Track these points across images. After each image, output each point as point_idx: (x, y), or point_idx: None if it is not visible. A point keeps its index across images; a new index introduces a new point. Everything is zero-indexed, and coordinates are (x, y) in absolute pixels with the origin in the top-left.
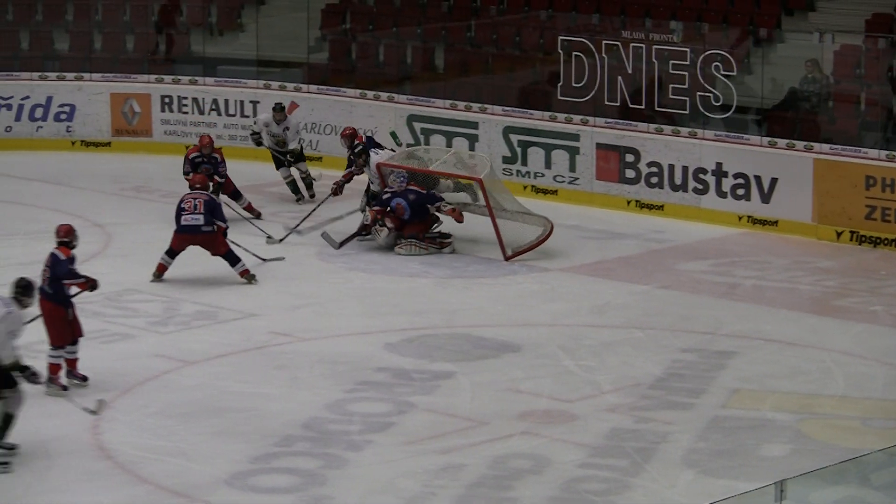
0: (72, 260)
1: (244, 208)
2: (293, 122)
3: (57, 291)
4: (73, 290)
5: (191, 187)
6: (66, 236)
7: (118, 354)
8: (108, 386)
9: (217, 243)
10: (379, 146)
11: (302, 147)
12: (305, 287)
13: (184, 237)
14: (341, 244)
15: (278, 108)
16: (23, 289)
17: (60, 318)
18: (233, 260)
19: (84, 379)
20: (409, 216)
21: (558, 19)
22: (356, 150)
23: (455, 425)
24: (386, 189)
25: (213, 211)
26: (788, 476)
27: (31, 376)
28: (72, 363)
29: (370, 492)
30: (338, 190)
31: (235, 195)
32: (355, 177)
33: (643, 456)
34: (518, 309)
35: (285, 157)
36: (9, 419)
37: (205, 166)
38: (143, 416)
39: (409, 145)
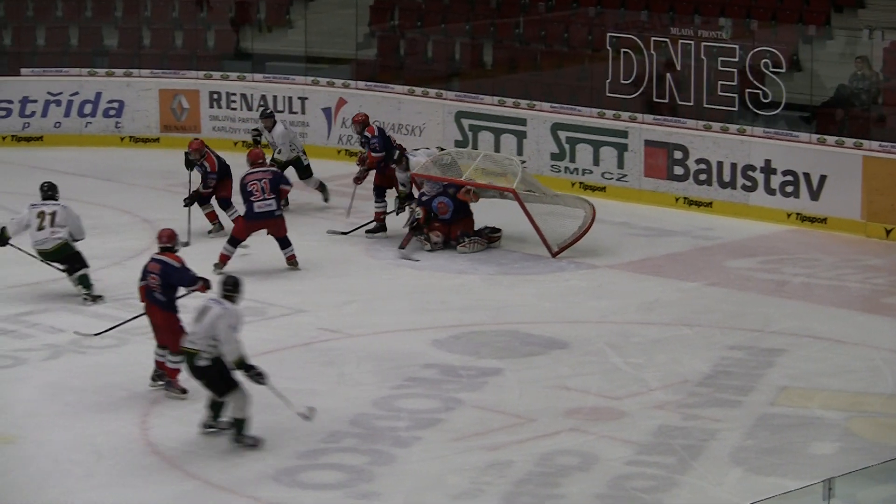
0: (184, 265)
1: (234, 220)
2: (278, 131)
3: (170, 299)
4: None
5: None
6: (170, 241)
7: None
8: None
9: (283, 226)
10: (390, 141)
11: (305, 161)
12: (353, 283)
13: (254, 224)
14: (402, 246)
15: (264, 115)
16: (232, 286)
17: (178, 324)
18: (286, 243)
19: (183, 391)
20: (451, 212)
21: (607, 16)
22: (396, 157)
23: (502, 422)
24: (422, 192)
25: (278, 188)
26: (836, 474)
27: (256, 376)
28: (173, 373)
29: (417, 488)
30: (359, 180)
31: (226, 203)
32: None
33: (691, 453)
34: (566, 306)
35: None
36: (240, 424)
37: (198, 168)
38: (190, 411)
39: (456, 142)
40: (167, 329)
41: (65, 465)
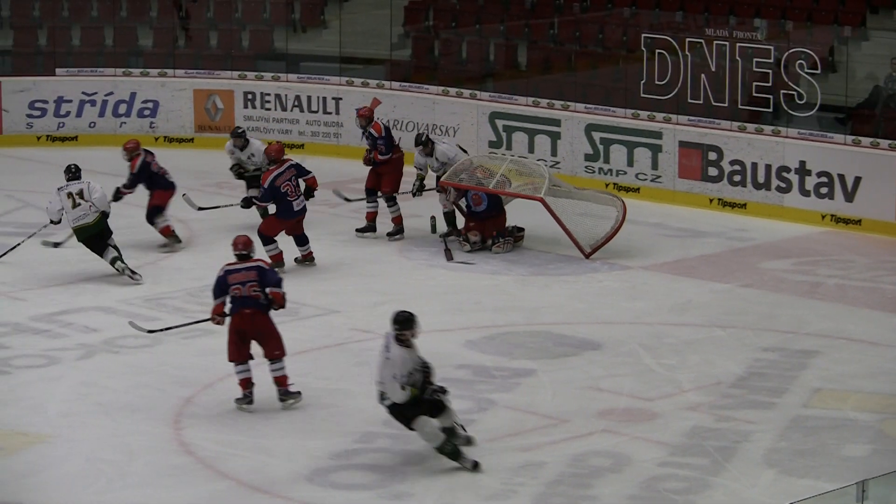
0: (271, 266)
1: (160, 230)
2: (257, 146)
3: (270, 303)
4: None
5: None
6: (245, 248)
7: (199, 350)
8: (189, 381)
9: (302, 222)
10: (392, 139)
11: None
12: (387, 284)
13: (287, 222)
14: (448, 259)
15: (235, 134)
16: (401, 324)
17: (276, 328)
18: (305, 240)
19: (297, 393)
20: (486, 205)
21: (642, 16)
22: (422, 140)
23: (535, 423)
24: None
25: (299, 180)
26: (870, 476)
27: (433, 393)
28: (283, 380)
29: (450, 489)
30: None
31: (155, 211)
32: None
33: (724, 455)
34: (599, 307)
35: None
36: (442, 450)
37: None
38: (223, 411)
39: (490, 143)
40: (274, 334)
41: (97, 465)
